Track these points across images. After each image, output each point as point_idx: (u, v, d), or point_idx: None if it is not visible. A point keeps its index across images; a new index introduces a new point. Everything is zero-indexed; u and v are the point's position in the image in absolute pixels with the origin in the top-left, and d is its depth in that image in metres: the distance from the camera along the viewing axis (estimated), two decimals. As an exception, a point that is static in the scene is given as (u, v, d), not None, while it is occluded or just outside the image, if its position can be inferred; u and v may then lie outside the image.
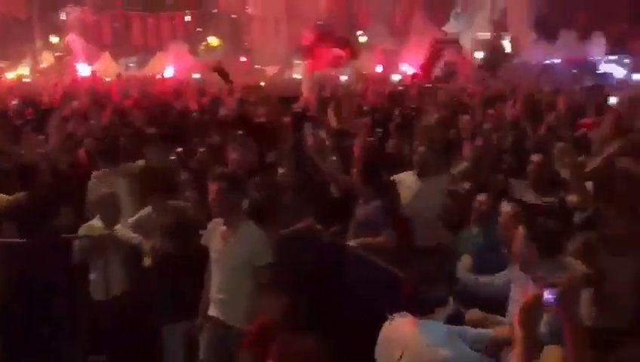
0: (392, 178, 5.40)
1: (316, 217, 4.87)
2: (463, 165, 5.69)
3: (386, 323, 2.81)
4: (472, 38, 25.47)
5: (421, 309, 2.72)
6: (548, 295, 2.26)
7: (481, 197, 4.78)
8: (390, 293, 4.53)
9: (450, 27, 26.60)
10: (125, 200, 5.15)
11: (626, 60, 21.58)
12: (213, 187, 3.95)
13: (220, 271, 4.02)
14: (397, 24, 26.44)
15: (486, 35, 25.58)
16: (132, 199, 5.33)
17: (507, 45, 26.38)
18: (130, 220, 4.93)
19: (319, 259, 4.72)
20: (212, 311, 4.06)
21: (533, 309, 2.32)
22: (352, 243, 4.88)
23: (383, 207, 4.94)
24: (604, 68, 21.42)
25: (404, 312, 2.77)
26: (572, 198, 4.76)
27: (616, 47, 22.41)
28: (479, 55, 25.44)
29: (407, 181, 5.44)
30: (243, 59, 27.04)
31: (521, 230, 3.50)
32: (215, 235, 4.06)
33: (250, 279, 3.91)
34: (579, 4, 23.95)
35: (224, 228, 4.02)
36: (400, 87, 15.03)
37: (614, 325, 3.83)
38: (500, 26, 25.61)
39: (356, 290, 4.63)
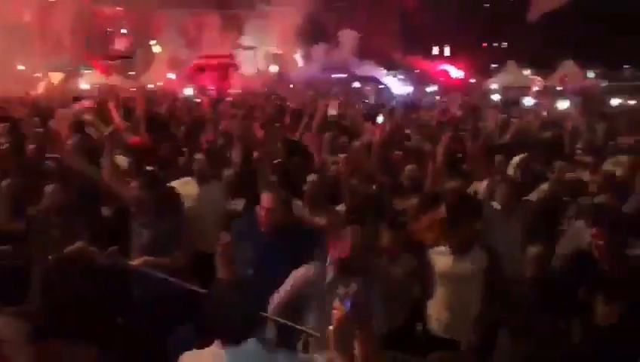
0: (174, 185, 5.30)
1: (90, 239, 4.50)
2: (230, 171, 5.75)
3: (187, 354, 2.61)
4: (267, 52, 26.25)
5: (229, 335, 2.55)
6: (346, 303, 2.31)
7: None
8: (184, 311, 4.42)
9: (245, 41, 27.10)
10: None
11: (401, 77, 24.06)
12: None
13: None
14: (191, 35, 26.12)
15: (279, 50, 26.53)
16: None
17: (299, 60, 27.72)
18: None
19: (95, 282, 4.37)
20: None
21: (343, 329, 2.31)
22: (135, 262, 4.62)
23: (173, 226, 4.79)
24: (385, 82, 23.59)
25: (212, 339, 2.56)
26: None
27: (390, 64, 24.91)
28: (274, 69, 26.32)
29: (189, 186, 5.45)
30: (21, 67, 24.57)
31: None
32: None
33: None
34: (353, 21, 26.03)
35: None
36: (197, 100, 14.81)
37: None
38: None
39: (143, 310, 4.37)
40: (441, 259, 4.29)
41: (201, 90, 12.86)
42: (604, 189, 5.30)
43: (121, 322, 4.31)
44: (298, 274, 3.69)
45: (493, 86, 21.46)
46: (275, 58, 26.06)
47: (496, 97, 17.08)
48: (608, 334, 3.68)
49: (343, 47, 24.83)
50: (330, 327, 2.38)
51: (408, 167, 5.87)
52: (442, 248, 4.29)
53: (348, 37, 24.85)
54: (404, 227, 4.56)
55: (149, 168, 5.79)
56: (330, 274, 3.60)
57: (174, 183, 5.47)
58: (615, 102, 16.17)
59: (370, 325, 2.34)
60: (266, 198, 4.16)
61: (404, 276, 4.31)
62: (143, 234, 4.74)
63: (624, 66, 32.78)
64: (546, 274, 4.23)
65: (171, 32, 25.84)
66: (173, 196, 5.20)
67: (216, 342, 2.55)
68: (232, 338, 2.53)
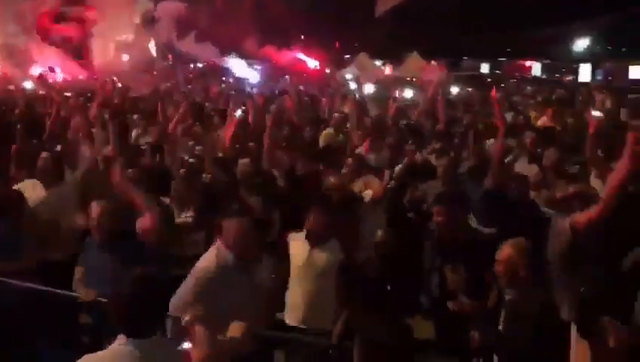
0: (19, 187, 5.07)
1: None
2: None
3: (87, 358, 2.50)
4: (117, 40, 24.90)
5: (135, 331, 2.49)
6: None
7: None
8: (40, 314, 4.32)
9: (95, 29, 25.44)
10: None
11: (258, 67, 24.09)
12: None
13: None
14: (30, 22, 23.91)
15: (130, 37, 25.28)
16: None
17: (152, 49, 26.62)
18: None
19: None
20: None
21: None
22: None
23: (12, 230, 4.45)
24: (243, 73, 23.45)
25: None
26: None
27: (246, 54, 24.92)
28: (126, 58, 25.02)
29: (32, 188, 5.14)
30: None
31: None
32: None
33: None
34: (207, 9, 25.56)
35: None
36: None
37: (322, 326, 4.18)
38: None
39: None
40: (298, 247, 4.35)
41: (43, 82, 11.79)
42: (447, 173, 5.75)
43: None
44: (199, 268, 3.68)
45: (348, 76, 22.21)
46: (127, 47, 24.77)
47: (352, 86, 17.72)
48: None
49: (162, 21, 24.03)
50: None
51: (241, 162, 5.68)
52: (301, 235, 4.36)
53: (167, 10, 24.08)
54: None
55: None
56: (228, 265, 3.64)
57: (19, 186, 5.14)
58: (454, 90, 17.54)
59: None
60: (94, 208, 4.30)
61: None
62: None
63: (463, 58, 35.70)
64: (386, 255, 4.47)
65: (6, 18, 23.44)
66: (12, 198, 4.81)
67: (119, 338, 2.49)
68: (139, 333, 2.49)
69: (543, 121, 9.63)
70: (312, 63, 26.42)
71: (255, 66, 23.94)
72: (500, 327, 3.48)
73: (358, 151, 7.12)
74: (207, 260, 3.69)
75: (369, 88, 13.55)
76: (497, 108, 7.16)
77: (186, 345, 2.79)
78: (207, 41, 23.95)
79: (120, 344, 2.50)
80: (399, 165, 6.08)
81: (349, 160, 5.98)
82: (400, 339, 2.59)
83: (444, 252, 4.42)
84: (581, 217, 4.13)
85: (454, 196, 4.66)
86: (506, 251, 3.52)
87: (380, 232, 4.45)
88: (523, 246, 3.53)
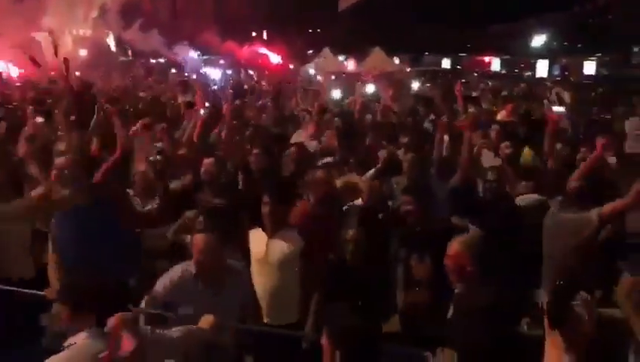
0: None
1: None
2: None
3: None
4: (73, 34, 24.26)
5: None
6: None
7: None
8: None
9: (48, 22, 24.72)
10: None
11: (222, 61, 23.86)
12: None
13: None
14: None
15: (87, 32, 24.68)
16: None
17: (111, 43, 26.06)
18: None
19: None
20: None
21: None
22: None
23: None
24: (204, 69, 23.17)
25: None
26: None
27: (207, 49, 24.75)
28: (83, 53, 24.42)
29: None
30: None
31: None
32: None
33: None
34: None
35: None
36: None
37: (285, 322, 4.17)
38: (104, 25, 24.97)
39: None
40: (256, 240, 4.29)
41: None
42: (413, 168, 5.78)
43: None
44: (169, 276, 3.68)
45: (311, 71, 22.15)
46: (84, 41, 24.15)
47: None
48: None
49: (112, 11, 23.53)
50: None
51: (205, 162, 5.45)
52: (259, 229, 4.29)
53: None
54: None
55: None
56: (191, 279, 3.64)
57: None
58: (415, 86, 17.64)
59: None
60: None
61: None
62: None
63: (425, 53, 36.08)
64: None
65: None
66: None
67: (80, 334, 2.48)
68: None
69: (502, 115, 9.80)
70: (275, 58, 26.26)
71: (220, 61, 23.70)
72: (450, 320, 3.46)
73: (303, 138, 7.12)
74: (172, 272, 3.69)
75: (336, 94, 13.53)
76: (461, 101, 7.26)
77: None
78: (154, 29, 23.49)
79: (83, 339, 2.48)
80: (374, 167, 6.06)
81: (292, 148, 5.99)
82: (367, 328, 2.58)
83: (410, 242, 4.45)
84: (607, 207, 4.44)
85: (421, 186, 4.71)
86: (454, 246, 3.45)
87: (350, 231, 4.42)
88: (472, 242, 3.47)
